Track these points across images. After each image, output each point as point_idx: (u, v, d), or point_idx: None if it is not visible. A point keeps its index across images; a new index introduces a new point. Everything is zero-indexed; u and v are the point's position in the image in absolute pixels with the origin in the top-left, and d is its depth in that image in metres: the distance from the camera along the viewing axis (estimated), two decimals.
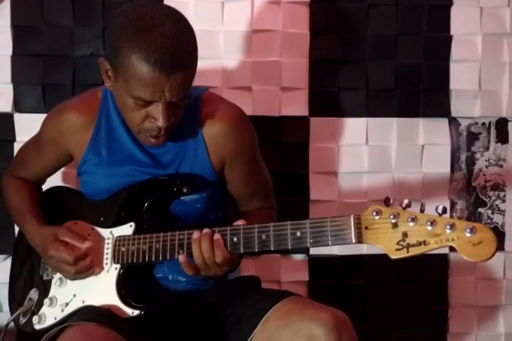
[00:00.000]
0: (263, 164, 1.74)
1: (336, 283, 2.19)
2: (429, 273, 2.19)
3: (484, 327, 2.25)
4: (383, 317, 2.21)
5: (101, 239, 1.60)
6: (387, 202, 1.32)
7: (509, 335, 2.25)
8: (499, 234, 2.21)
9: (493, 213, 2.23)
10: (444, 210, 1.27)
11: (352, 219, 1.33)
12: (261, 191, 1.74)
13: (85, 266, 1.55)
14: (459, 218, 1.26)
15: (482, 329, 2.25)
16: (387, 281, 2.19)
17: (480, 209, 2.23)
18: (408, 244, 1.27)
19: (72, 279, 1.59)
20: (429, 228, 1.26)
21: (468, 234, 1.23)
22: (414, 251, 1.27)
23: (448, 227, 1.24)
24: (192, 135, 1.61)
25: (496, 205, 2.23)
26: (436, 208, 1.27)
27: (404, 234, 1.28)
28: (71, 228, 1.65)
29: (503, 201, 2.23)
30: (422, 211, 1.29)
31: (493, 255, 1.23)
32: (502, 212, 2.23)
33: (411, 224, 1.28)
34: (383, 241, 1.30)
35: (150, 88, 1.40)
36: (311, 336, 1.40)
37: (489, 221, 2.23)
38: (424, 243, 1.26)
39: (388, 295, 2.21)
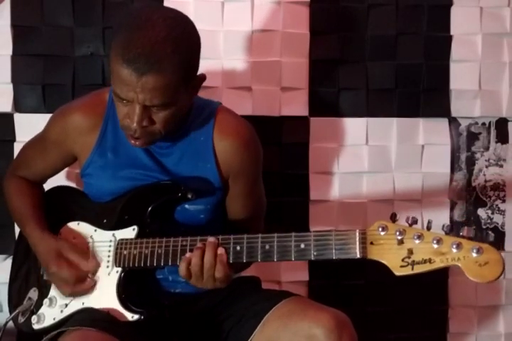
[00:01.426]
0: (262, 187, 1.74)
1: (336, 283, 2.19)
2: (429, 273, 2.17)
3: (484, 327, 2.25)
4: (383, 317, 2.21)
5: (103, 243, 1.60)
6: (393, 217, 1.31)
7: (509, 335, 2.25)
8: (499, 234, 2.21)
9: (493, 213, 2.23)
10: (451, 229, 1.26)
11: (357, 234, 1.33)
12: (255, 212, 1.73)
13: (82, 290, 1.56)
14: (466, 237, 1.25)
15: (482, 329, 2.25)
16: (387, 281, 2.15)
17: (480, 209, 2.23)
18: (413, 261, 1.27)
19: (66, 296, 1.59)
20: (435, 246, 1.25)
21: (474, 255, 1.23)
22: (418, 269, 1.27)
23: (454, 246, 1.24)
24: (203, 148, 1.61)
25: (496, 205, 2.23)
26: (443, 227, 1.27)
27: (410, 251, 1.27)
28: (74, 229, 1.65)
29: (503, 201, 2.23)
30: (428, 228, 1.28)
31: (499, 276, 1.22)
32: (502, 212, 2.23)
33: (417, 241, 1.27)
34: (388, 257, 1.29)
35: (125, 86, 1.41)
36: (311, 336, 1.40)
37: (489, 221, 2.23)
38: (430, 261, 1.26)
39: (388, 295, 2.20)
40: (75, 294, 1.57)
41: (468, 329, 2.25)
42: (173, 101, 1.46)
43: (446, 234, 1.26)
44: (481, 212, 2.23)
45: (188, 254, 1.46)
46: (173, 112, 1.48)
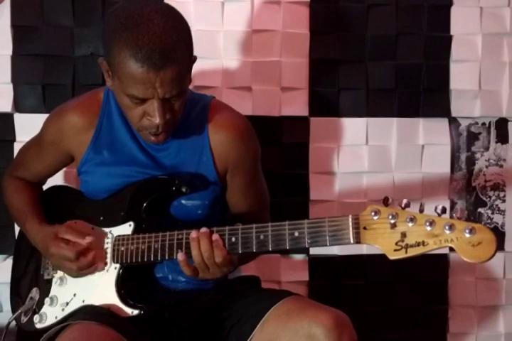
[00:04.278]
0: (263, 179, 1.74)
1: (336, 283, 2.19)
2: (429, 273, 2.19)
3: (484, 327, 2.25)
4: (383, 317, 2.21)
5: (101, 238, 1.59)
6: (385, 201, 1.30)
7: (509, 335, 2.25)
8: (499, 234, 2.21)
9: (493, 213, 2.23)
10: (444, 210, 1.25)
11: (350, 220, 1.32)
12: (258, 205, 1.73)
13: (87, 262, 1.54)
14: (459, 218, 1.24)
15: (482, 329, 2.25)
16: (387, 281, 2.19)
17: (480, 209, 2.23)
18: (407, 244, 1.25)
19: (76, 276, 1.57)
20: (428, 228, 1.24)
21: (467, 235, 1.22)
22: (412, 252, 1.25)
23: (447, 228, 1.23)
24: (198, 141, 1.61)
25: (496, 205, 2.23)
26: (436, 208, 1.25)
27: (403, 235, 1.26)
28: (71, 227, 1.64)
29: (503, 201, 2.23)
30: (421, 211, 1.27)
31: (492, 256, 1.21)
32: (502, 212, 2.23)
33: (410, 224, 1.26)
34: (382, 241, 1.28)
35: (141, 85, 1.41)
36: (311, 336, 1.40)
37: (489, 221, 2.23)
38: (423, 243, 1.24)
39: (388, 295, 2.21)
40: (81, 270, 1.54)
41: (468, 329, 2.25)
42: (186, 88, 1.48)
43: (439, 215, 1.25)
44: (481, 212, 2.23)
45: (180, 255, 1.46)
46: (184, 99, 1.49)
